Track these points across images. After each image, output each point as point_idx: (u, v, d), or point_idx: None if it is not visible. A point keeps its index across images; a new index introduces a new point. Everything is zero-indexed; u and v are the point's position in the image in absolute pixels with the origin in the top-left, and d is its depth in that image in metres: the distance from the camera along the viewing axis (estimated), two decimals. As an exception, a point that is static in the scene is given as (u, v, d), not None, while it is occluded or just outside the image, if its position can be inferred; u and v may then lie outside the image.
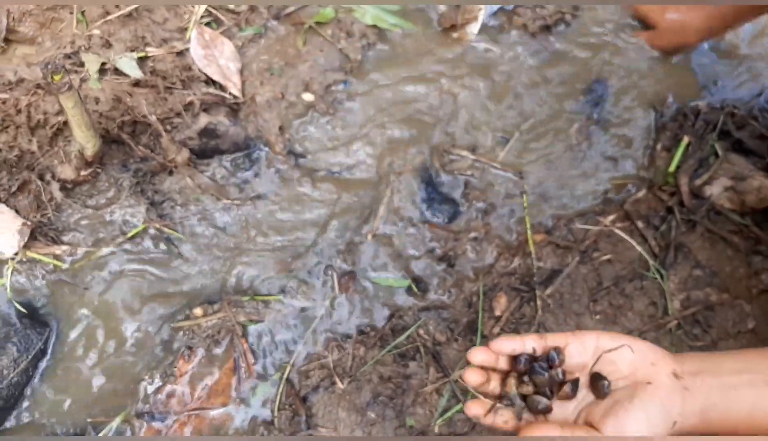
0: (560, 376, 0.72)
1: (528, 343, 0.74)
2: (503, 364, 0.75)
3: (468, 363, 0.75)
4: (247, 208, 1.18)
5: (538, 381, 0.72)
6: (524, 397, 0.73)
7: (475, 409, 0.73)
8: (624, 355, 0.72)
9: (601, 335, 0.74)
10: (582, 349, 0.73)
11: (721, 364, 0.73)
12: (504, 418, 0.73)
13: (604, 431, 0.68)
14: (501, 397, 0.74)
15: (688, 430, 0.71)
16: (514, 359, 0.74)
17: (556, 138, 1.28)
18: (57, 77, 0.82)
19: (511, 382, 0.74)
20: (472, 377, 0.74)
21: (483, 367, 0.75)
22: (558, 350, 0.73)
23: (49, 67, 0.82)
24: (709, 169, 1.22)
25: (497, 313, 1.10)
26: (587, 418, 0.72)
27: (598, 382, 0.72)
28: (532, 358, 0.73)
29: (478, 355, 0.75)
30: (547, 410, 0.73)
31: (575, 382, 0.73)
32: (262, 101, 1.25)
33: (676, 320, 1.10)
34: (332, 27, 1.33)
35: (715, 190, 1.20)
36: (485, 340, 1.07)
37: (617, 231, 1.17)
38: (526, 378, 0.73)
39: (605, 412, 0.70)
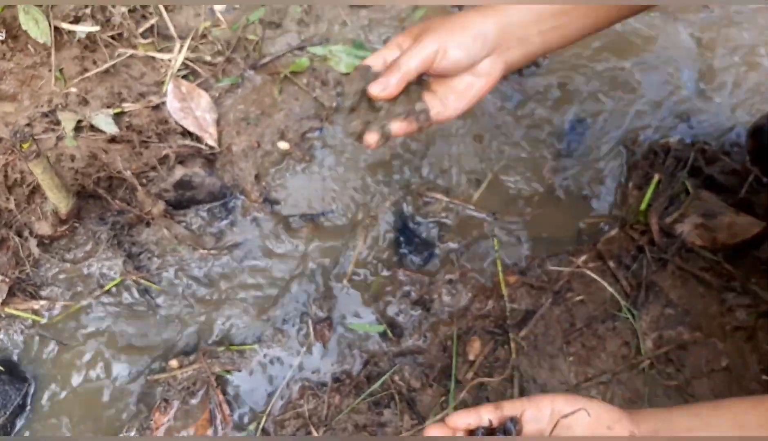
0: None
1: (484, 416, 0.73)
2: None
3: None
4: (224, 258, 1.20)
5: None
6: None
7: None
8: (580, 419, 0.71)
9: (555, 399, 0.73)
10: (538, 414, 0.73)
11: (675, 422, 0.73)
12: None
13: None
14: None
15: None
16: (471, 433, 0.74)
17: (529, 178, 1.30)
18: (25, 146, 0.84)
19: None
20: None
21: None
22: (514, 420, 0.73)
23: (18, 136, 0.84)
24: (680, 207, 1.23)
25: (471, 357, 1.11)
26: None
27: None
28: (489, 431, 0.73)
29: (434, 432, 0.74)
30: None
31: None
32: (238, 151, 1.27)
33: (649, 360, 1.10)
34: (307, 76, 1.36)
35: (685, 228, 1.21)
36: (459, 385, 1.08)
37: (589, 272, 1.18)
38: None
39: None
